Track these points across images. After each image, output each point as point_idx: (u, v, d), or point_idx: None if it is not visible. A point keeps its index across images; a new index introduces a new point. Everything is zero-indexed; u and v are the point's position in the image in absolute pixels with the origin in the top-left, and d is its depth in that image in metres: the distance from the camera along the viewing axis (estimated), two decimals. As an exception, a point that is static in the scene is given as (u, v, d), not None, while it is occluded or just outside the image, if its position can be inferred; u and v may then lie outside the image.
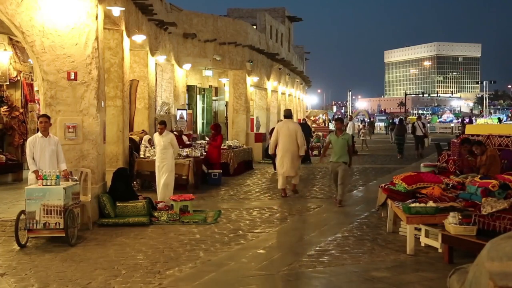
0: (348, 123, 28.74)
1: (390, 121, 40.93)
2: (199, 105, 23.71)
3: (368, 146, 29.05)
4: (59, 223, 7.56)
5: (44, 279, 6.16)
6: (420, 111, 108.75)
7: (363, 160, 22.55)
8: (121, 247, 7.61)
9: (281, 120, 14.11)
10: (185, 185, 12.59)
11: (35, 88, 14.48)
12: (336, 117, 10.85)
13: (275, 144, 12.34)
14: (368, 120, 51.08)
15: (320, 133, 28.35)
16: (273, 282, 6.22)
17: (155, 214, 9.42)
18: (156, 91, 16.67)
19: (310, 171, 17.80)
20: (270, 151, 12.89)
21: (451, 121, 71.73)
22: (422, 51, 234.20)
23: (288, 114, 12.81)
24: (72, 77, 9.01)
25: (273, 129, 14.18)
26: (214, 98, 26.04)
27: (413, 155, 23.79)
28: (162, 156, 11.07)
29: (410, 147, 25.89)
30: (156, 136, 11.29)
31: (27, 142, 8.47)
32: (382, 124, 58.54)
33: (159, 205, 9.92)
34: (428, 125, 40.28)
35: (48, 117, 8.45)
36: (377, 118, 74.55)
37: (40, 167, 8.10)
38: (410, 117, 64.12)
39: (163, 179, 10.97)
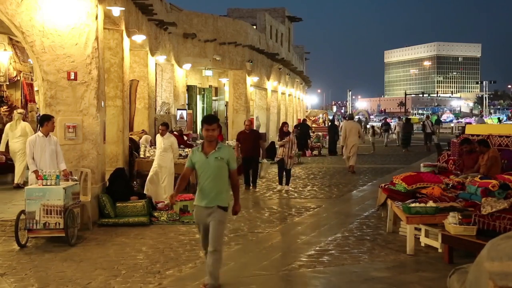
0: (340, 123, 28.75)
1: (383, 122, 38.47)
2: (199, 105, 23.71)
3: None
4: (59, 223, 7.56)
5: (44, 279, 6.16)
6: (420, 111, 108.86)
7: (363, 160, 22.54)
8: (121, 247, 7.61)
9: (347, 120, 20.21)
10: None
11: (35, 88, 14.46)
12: (206, 115, 5.46)
13: (344, 136, 17.30)
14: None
15: (320, 133, 28.20)
16: (273, 282, 6.22)
17: (155, 214, 9.41)
18: (156, 91, 16.67)
19: (310, 171, 17.79)
20: (342, 142, 17.91)
21: (451, 121, 71.97)
22: (422, 51, 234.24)
23: (351, 117, 21.82)
24: (72, 77, 9.00)
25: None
26: (214, 98, 26.04)
27: (417, 152, 25.65)
28: (161, 159, 11.04)
29: (414, 146, 27.37)
30: (158, 137, 11.29)
31: (27, 142, 8.47)
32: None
33: (159, 205, 9.92)
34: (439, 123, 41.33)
35: None
36: (375, 118, 74.54)
37: (41, 167, 8.11)
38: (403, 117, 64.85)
39: (162, 182, 10.95)
